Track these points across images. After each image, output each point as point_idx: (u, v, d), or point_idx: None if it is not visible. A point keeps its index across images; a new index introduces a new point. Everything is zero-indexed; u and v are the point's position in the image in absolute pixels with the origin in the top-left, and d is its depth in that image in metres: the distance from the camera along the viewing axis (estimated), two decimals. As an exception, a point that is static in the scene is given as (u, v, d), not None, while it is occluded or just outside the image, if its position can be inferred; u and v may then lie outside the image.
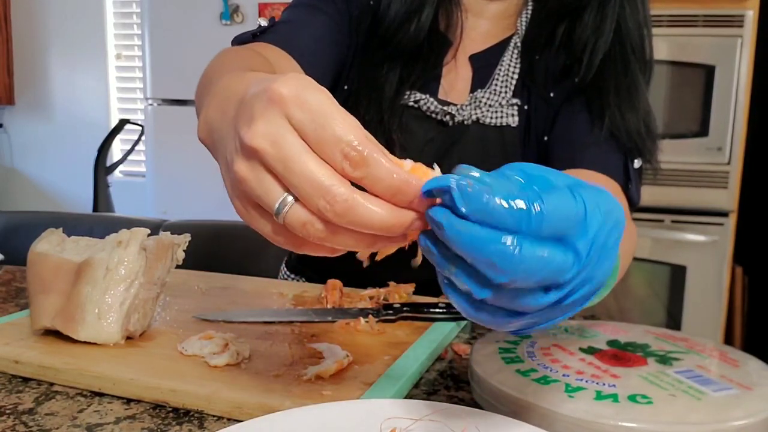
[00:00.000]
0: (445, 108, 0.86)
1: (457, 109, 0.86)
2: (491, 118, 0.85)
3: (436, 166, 0.38)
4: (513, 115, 0.85)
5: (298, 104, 0.36)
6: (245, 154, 0.37)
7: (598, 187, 0.36)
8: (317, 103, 0.36)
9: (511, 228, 0.32)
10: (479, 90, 0.86)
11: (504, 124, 0.85)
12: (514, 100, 0.85)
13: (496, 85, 0.86)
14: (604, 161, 0.79)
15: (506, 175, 0.35)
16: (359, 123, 0.36)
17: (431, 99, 0.86)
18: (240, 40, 0.79)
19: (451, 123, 0.86)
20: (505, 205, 0.32)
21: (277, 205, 0.36)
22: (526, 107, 0.86)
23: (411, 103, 0.86)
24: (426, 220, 0.36)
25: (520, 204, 0.32)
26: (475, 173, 0.34)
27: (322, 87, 0.37)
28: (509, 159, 0.81)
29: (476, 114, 0.85)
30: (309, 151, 0.36)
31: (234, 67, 0.57)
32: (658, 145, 0.81)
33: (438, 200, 0.35)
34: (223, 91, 0.45)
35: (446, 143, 0.86)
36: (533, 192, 0.33)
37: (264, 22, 0.82)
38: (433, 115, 0.86)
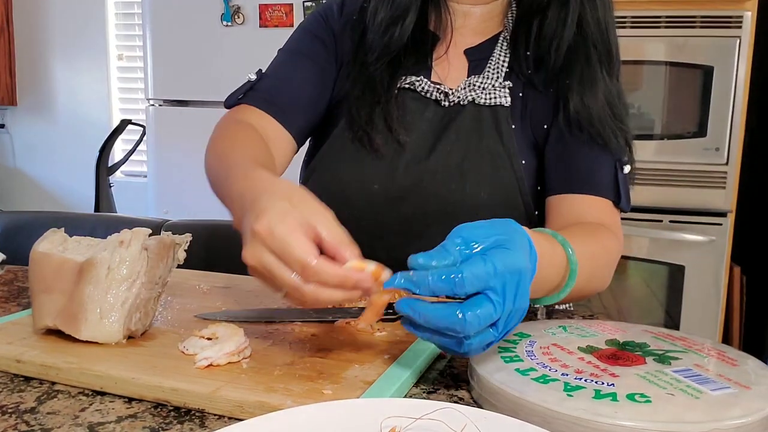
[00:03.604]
0: (438, 86, 0.92)
1: (453, 91, 0.91)
2: (485, 99, 0.91)
3: (386, 270, 0.56)
4: (505, 96, 0.91)
5: (269, 237, 0.54)
6: (247, 262, 0.56)
7: (506, 243, 0.53)
8: (281, 234, 0.54)
9: (447, 294, 0.51)
10: (473, 76, 0.92)
11: (497, 103, 0.91)
12: (506, 83, 0.91)
13: (488, 71, 0.92)
14: (596, 174, 0.86)
15: (446, 247, 0.53)
16: (313, 247, 0.54)
17: (425, 79, 0.92)
18: (230, 104, 0.93)
19: (445, 102, 0.92)
20: (440, 283, 0.51)
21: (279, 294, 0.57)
22: (520, 94, 0.92)
23: (406, 85, 0.92)
24: (368, 287, 0.55)
25: (449, 277, 0.51)
26: (420, 260, 0.53)
27: (289, 217, 0.55)
28: (503, 136, 0.90)
29: (471, 95, 0.91)
30: (283, 266, 0.54)
31: (237, 157, 0.76)
32: (629, 131, 0.88)
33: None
34: (235, 195, 0.65)
35: (444, 122, 0.92)
36: (457, 268, 0.51)
37: (253, 76, 0.94)
38: (428, 95, 0.92)
